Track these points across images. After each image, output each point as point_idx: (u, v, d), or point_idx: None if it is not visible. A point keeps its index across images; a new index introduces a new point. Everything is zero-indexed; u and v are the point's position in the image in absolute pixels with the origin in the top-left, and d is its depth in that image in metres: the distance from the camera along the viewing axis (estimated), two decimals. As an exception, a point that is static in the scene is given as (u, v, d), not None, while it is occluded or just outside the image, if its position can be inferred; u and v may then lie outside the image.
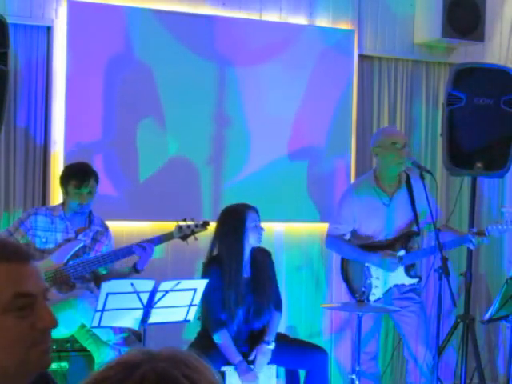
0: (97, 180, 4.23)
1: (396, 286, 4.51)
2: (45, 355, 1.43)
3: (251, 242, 4.16)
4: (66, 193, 4.22)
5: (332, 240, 4.59)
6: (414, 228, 4.57)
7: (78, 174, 4.17)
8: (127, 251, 4.18)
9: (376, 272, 4.48)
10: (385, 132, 4.69)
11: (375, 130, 5.51)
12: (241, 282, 4.11)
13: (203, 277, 4.14)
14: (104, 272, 4.27)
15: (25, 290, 1.40)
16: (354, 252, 4.52)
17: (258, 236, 4.16)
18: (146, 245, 4.16)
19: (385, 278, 4.49)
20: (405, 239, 4.53)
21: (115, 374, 1.04)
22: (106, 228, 4.36)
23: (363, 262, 4.49)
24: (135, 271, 4.18)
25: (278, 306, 4.28)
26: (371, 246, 4.52)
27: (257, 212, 4.18)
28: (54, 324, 1.43)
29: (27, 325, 1.39)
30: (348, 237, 4.62)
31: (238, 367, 4.04)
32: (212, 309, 3.83)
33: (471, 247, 4.61)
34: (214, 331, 4.08)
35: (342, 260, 4.65)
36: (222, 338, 4.07)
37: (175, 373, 1.03)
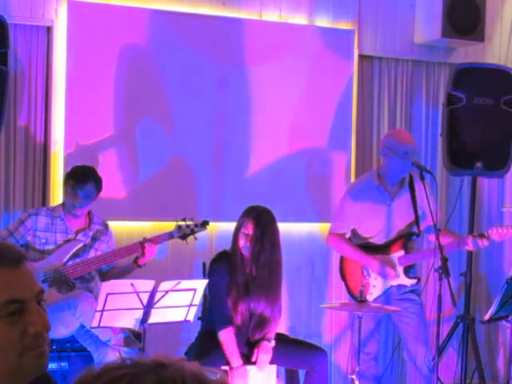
0: (97, 186, 4.19)
1: (395, 286, 4.51)
2: (39, 359, 1.40)
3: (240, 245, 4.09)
4: (64, 191, 4.23)
5: (333, 238, 4.59)
6: (414, 229, 4.56)
7: (77, 176, 4.16)
8: (126, 251, 4.17)
9: None
10: (399, 138, 4.48)
11: (375, 131, 5.51)
12: (241, 279, 4.08)
13: (210, 269, 4.16)
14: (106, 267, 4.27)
15: (16, 295, 1.37)
16: (355, 253, 4.51)
17: (241, 245, 4.06)
18: (146, 245, 4.15)
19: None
20: (404, 240, 4.52)
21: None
22: (107, 226, 4.36)
23: (362, 263, 4.49)
24: (137, 266, 4.17)
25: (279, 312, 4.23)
26: (370, 247, 4.52)
27: (253, 220, 4.02)
28: (46, 328, 1.40)
29: (18, 330, 1.36)
30: (348, 235, 4.62)
31: (235, 370, 3.99)
32: (219, 304, 3.80)
33: (470, 249, 4.60)
34: (220, 327, 4.03)
35: (341, 258, 4.65)
36: (227, 337, 4.03)
37: None
